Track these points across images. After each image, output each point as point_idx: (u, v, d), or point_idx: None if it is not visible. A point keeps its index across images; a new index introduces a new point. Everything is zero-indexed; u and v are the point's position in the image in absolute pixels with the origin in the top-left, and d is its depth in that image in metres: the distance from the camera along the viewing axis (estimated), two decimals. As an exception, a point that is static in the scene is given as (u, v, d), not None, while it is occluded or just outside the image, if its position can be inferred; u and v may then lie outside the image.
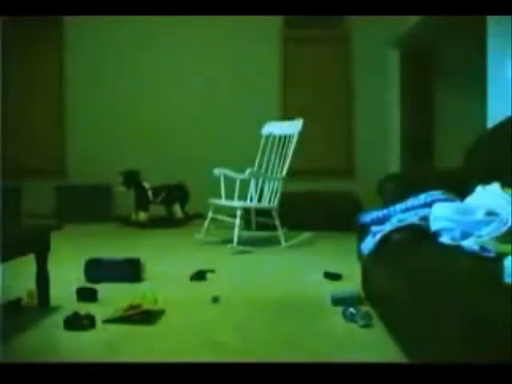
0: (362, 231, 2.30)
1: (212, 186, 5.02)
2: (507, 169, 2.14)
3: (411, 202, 2.14)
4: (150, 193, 5.47)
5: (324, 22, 6.16)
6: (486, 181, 2.11)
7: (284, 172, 4.30)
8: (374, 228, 2.13)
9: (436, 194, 2.11)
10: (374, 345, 1.95)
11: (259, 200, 4.35)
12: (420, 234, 1.93)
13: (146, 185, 5.49)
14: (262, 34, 6.18)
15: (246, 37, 6.19)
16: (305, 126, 4.35)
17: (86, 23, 6.10)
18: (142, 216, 5.40)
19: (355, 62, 6.23)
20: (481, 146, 2.51)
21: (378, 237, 2.05)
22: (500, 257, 1.36)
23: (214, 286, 2.87)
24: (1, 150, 5.98)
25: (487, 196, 1.97)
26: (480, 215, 1.78)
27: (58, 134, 6.26)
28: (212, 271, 3.17)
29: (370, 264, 2.35)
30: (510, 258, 1.27)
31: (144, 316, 2.20)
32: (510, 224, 1.71)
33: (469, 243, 1.72)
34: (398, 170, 5.86)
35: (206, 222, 4.30)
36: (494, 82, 3.54)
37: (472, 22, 4.04)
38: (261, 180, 4.45)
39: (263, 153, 4.66)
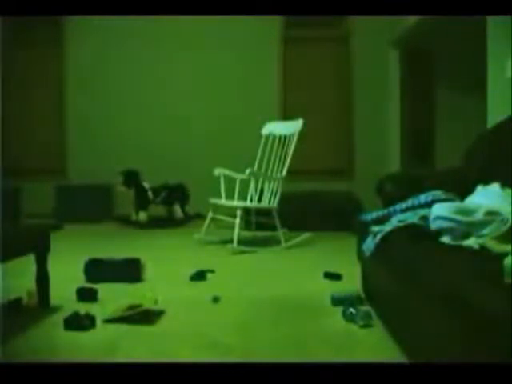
0: (362, 231, 2.30)
1: (212, 185, 5.03)
2: (507, 169, 2.14)
3: (411, 201, 2.14)
4: (149, 193, 5.47)
5: (324, 22, 6.17)
6: (486, 181, 2.11)
7: (284, 172, 4.30)
8: (374, 228, 2.13)
9: (436, 193, 2.11)
10: (374, 345, 1.95)
11: (259, 200, 4.35)
12: (420, 234, 1.93)
13: (146, 185, 5.49)
14: (262, 33, 6.19)
15: (246, 37, 6.20)
16: (305, 126, 4.35)
17: (86, 23, 6.10)
18: (142, 216, 5.40)
19: (355, 62, 6.24)
20: (481, 145, 2.51)
21: (379, 237, 2.05)
22: (500, 257, 1.36)
23: (214, 285, 2.87)
24: (1, 149, 5.98)
25: (487, 196, 1.97)
26: (480, 215, 1.78)
27: (57, 133, 6.26)
28: (212, 271, 3.17)
29: (370, 264, 2.35)
30: (510, 257, 1.27)
31: (144, 316, 2.21)
32: (510, 224, 1.71)
33: (469, 243, 1.72)
34: (398, 170, 5.86)
35: (206, 222, 4.30)
36: (494, 82, 3.54)
37: (472, 22, 4.04)
38: (261, 180, 4.45)
39: (263, 153, 4.67)
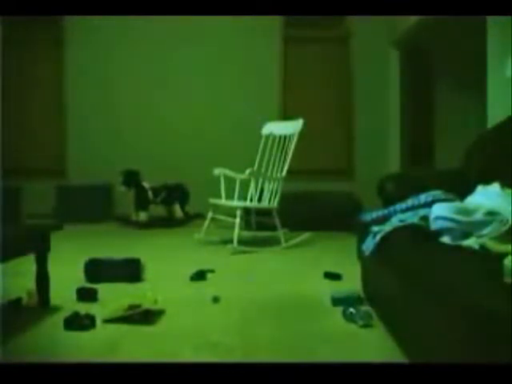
0: (362, 231, 2.30)
1: (212, 186, 5.02)
2: (507, 169, 2.14)
3: (411, 201, 2.14)
4: (150, 193, 5.47)
5: (324, 22, 6.17)
6: (486, 181, 2.11)
7: (284, 172, 4.30)
8: (374, 228, 2.13)
9: (436, 193, 2.11)
10: (374, 345, 1.95)
11: (259, 200, 4.35)
12: (420, 234, 1.93)
13: (146, 185, 5.49)
14: (262, 33, 6.18)
15: (246, 37, 6.19)
16: (305, 126, 4.35)
17: (85, 23, 6.10)
18: (142, 216, 5.40)
19: (355, 62, 6.24)
20: (480, 145, 2.51)
21: (378, 237, 2.05)
22: (500, 257, 1.36)
23: (214, 286, 2.87)
24: (1, 150, 5.98)
25: (487, 196, 1.97)
26: (480, 215, 1.78)
27: (58, 133, 6.26)
28: (212, 271, 3.17)
29: (370, 264, 2.35)
30: (509, 257, 1.27)
31: (144, 316, 2.21)
32: (510, 224, 1.71)
33: (469, 243, 1.72)
34: (398, 170, 5.86)
35: (206, 222, 4.30)
36: (494, 81, 3.54)
37: (472, 22, 4.04)
38: (261, 180, 4.45)
39: (263, 153, 4.66)
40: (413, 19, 5.06)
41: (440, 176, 2.60)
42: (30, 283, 2.44)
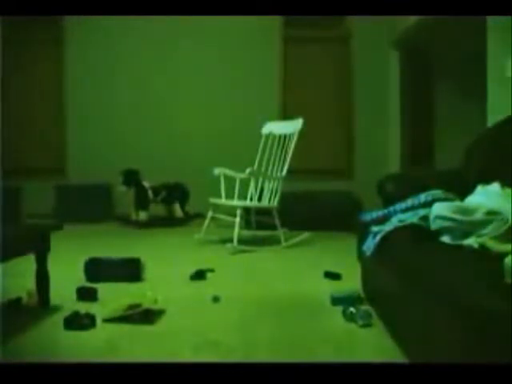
0: (362, 231, 2.30)
1: (212, 185, 5.02)
2: (507, 168, 2.14)
3: (411, 201, 2.14)
4: (150, 192, 5.47)
5: (324, 22, 6.17)
6: (486, 181, 2.11)
7: (284, 171, 4.30)
8: (374, 228, 2.13)
9: (436, 193, 2.11)
10: (374, 345, 1.95)
11: (259, 199, 4.35)
12: (420, 234, 1.93)
13: (146, 184, 5.49)
14: (262, 34, 6.18)
15: (246, 37, 6.19)
16: (305, 125, 4.35)
17: (86, 23, 6.10)
18: (142, 215, 5.40)
19: (355, 62, 6.24)
20: (480, 145, 2.51)
21: (379, 237, 2.05)
22: (500, 256, 1.36)
23: (214, 285, 2.87)
24: (1, 149, 5.98)
25: (487, 195, 1.97)
26: (480, 215, 1.78)
27: (58, 133, 6.26)
28: (212, 271, 3.17)
29: (370, 264, 2.35)
30: (510, 257, 1.27)
31: (144, 316, 2.21)
32: (510, 223, 1.71)
33: (469, 243, 1.72)
34: (398, 170, 5.86)
35: (206, 222, 4.30)
36: (494, 82, 3.54)
37: (472, 22, 4.04)
38: (261, 179, 4.45)
39: (263, 152, 4.66)
40: (412, 19, 5.06)
41: (440, 176, 2.60)
42: (30, 283, 2.44)
